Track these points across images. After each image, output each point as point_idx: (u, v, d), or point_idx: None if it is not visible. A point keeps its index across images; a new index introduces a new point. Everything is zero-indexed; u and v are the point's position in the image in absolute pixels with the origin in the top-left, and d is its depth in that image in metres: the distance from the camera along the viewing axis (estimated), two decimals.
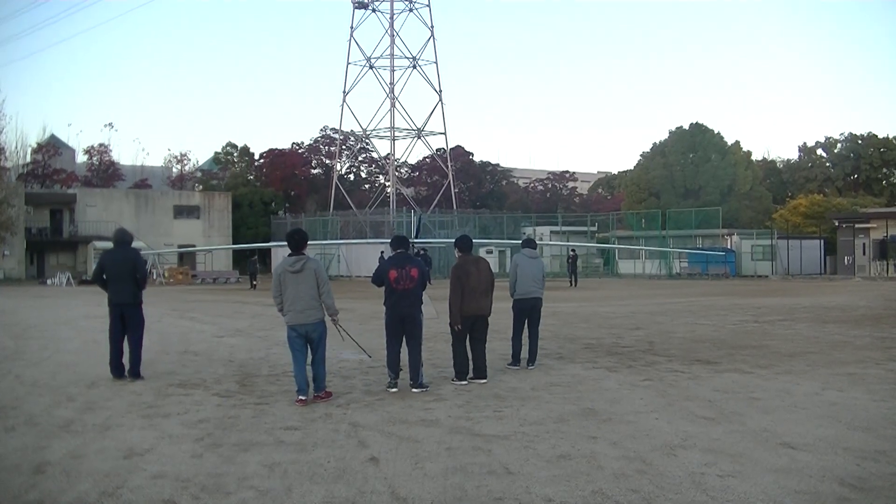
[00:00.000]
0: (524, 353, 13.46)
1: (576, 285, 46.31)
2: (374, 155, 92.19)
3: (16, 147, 71.13)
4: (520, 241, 14.44)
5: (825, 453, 7.69)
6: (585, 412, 9.73)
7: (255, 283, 46.51)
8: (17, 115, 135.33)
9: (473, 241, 13.07)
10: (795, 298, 31.83)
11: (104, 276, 12.61)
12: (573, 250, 50.91)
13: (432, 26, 77.30)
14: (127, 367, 12.44)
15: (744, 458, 7.55)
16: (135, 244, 13.39)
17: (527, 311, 13.54)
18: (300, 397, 10.58)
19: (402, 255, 11.58)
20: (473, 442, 8.29)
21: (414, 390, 11.18)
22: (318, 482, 6.93)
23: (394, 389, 11.24)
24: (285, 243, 10.98)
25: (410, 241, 11.68)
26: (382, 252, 45.24)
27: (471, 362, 12.03)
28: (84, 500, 6.49)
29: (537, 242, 14.72)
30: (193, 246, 66.78)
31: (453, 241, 13.00)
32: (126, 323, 12.50)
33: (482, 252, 56.85)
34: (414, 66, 77.44)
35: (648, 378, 12.14)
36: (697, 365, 13.41)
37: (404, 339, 11.49)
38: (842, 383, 11.58)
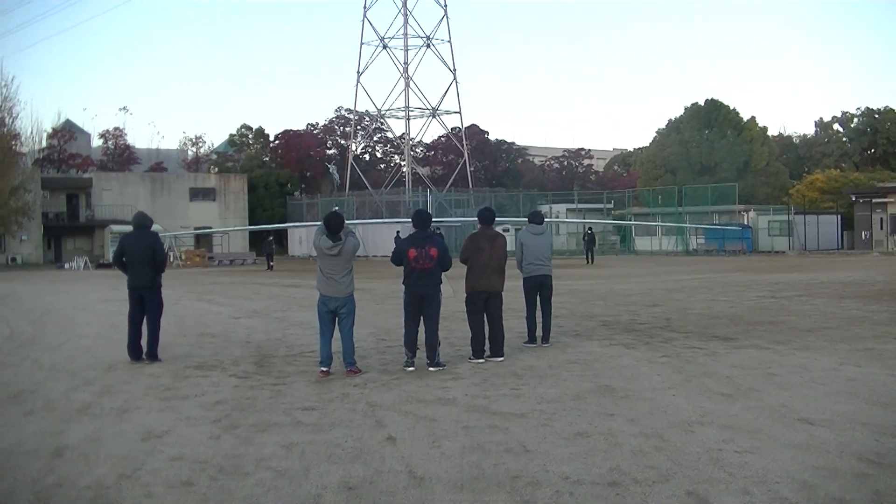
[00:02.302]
0: (539, 331, 13.45)
1: (592, 263, 46.17)
2: (389, 135, 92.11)
3: (31, 132, 71.16)
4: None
5: (843, 429, 7.65)
6: (603, 389, 9.71)
7: (271, 264, 46.48)
8: (31, 100, 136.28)
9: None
10: (812, 274, 31.67)
11: (124, 259, 12.67)
12: (590, 228, 50.78)
13: (445, 4, 77.28)
14: (144, 349, 12.50)
15: (761, 434, 7.52)
16: (153, 227, 13.43)
17: (536, 288, 13.47)
18: (322, 368, 10.97)
19: (421, 234, 11.53)
20: (490, 420, 8.28)
21: (431, 369, 11.18)
22: (335, 462, 6.93)
23: (410, 368, 11.24)
24: (302, 224, 11.12)
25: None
26: (398, 232, 45.25)
27: (487, 341, 12.03)
28: (102, 484, 6.51)
29: (549, 218, 14.59)
30: (210, 228, 66.98)
31: (469, 220, 12.97)
32: (145, 306, 12.57)
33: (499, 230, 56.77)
34: (428, 46, 77.50)
35: (666, 355, 12.10)
36: (715, 341, 13.36)
37: (421, 318, 11.51)
38: (860, 359, 11.52)
